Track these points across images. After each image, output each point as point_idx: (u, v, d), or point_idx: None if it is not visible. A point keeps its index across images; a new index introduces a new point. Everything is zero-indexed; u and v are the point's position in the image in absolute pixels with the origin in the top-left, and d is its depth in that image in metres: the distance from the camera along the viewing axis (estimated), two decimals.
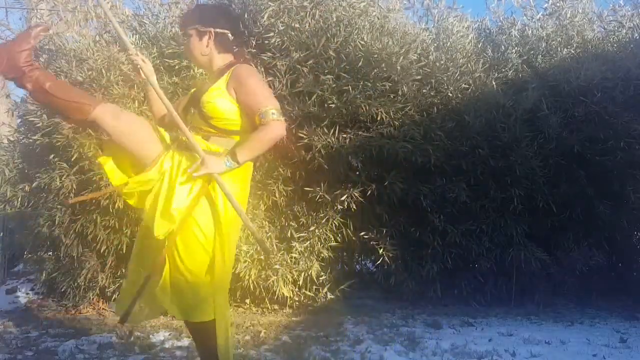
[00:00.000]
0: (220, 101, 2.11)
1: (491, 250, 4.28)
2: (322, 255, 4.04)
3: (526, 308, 4.30)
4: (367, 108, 3.78)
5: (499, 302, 4.38)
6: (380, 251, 4.07)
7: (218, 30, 2.20)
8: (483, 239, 4.26)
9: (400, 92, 3.89)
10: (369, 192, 3.97)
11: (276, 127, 2.07)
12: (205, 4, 2.38)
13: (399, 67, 3.80)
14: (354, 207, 3.92)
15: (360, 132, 3.89)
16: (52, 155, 3.77)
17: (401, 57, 3.79)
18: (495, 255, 4.29)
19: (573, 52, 4.57)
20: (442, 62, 4.13)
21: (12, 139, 4.30)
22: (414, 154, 3.93)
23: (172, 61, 3.89)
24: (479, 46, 4.49)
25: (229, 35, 2.23)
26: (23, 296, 4.79)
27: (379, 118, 3.83)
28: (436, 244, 4.18)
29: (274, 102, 2.11)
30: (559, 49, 4.56)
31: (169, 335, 3.44)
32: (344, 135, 3.84)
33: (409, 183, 4.06)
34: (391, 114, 3.83)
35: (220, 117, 2.12)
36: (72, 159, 3.70)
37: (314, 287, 4.14)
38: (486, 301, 4.35)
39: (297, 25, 3.72)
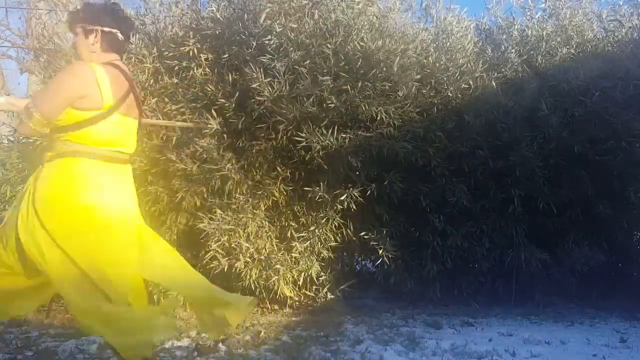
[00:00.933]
0: None
1: (491, 251, 4.28)
2: (322, 255, 4.04)
3: (526, 308, 4.30)
4: (367, 108, 3.78)
5: (499, 302, 4.38)
6: (380, 252, 4.07)
7: (105, 29, 2.20)
8: (483, 239, 4.26)
9: (399, 92, 3.89)
10: (369, 192, 3.97)
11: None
12: (92, 2, 2.39)
13: (398, 67, 3.79)
14: (354, 207, 3.92)
15: (359, 132, 3.89)
16: None
17: (399, 57, 3.78)
18: (495, 256, 4.30)
19: (573, 51, 4.56)
20: (441, 62, 4.12)
21: (12, 139, 4.30)
22: (414, 154, 3.94)
23: (171, 62, 3.89)
24: (479, 46, 4.49)
25: (119, 35, 2.23)
26: None
27: (378, 118, 3.82)
28: (436, 244, 4.18)
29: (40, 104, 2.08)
30: (558, 49, 4.56)
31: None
32: (344, 135, 3.84)
33: (408, 183, 4.06)
34: (391, 113, 3.83)
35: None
36: None
37: (314, 287, 4.14)
38: (486, 301, 4.35)
39: (295, 26, 3.72)
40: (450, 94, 4.11)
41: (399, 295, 4.33)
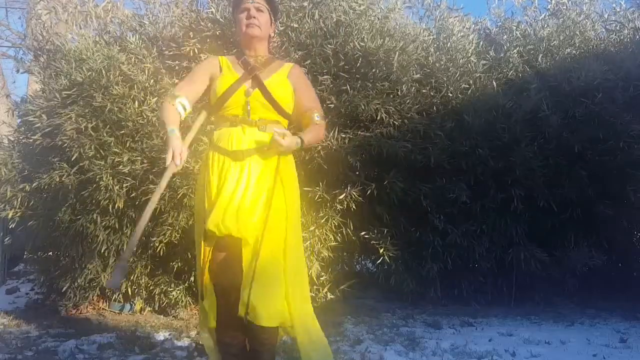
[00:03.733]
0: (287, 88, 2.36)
1: (491, 251, 4.28)
2: (322, 255, 4.03)
3: (526, 308, 4.30)
4: (366, 107, 3.78)
5: (499, 302, 4.38)
6: (381, 251, 4.06)
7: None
8: (483, 239, 4.25)
9: (399, 92, 3.89)
10: (369, 191, 3.96)
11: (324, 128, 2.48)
12: None
13: (397, 67, 3.79)
14: (354, 206, 3.92)
15: (359, 132, 3.89)
16: (52, 156, 3.77)
17: (398, 54, 3.77)
18: (495, 256, 4.29)
19: (574, 52, 4.56)
20: (442, 62, 4.12)
21: (12, 138, 4.30)
22: (414, 154, 3.93)
23: (172, 62, 3.89)
24: (480, 46, 4.49)
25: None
26: (23, 296, 4.80)
27: (378, 118, 3.82)
28: (436, 244, 4.18)
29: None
30: (560, 49, 4.56)
31: (169, 335, 3.44)
32: (343, 135, 3.84)
33: (408, 183, 4.06)
34: (391, 113, 3.83)
35: (287, 102, 2.33)
36: (72, 159, 3.70)
37: (314, 287, 4.13)
38: (486, 301, 4.35)
39: (296, 26, 3.72)
40: (451, 94, 4.11)
41: (399, 295, 4.33)
